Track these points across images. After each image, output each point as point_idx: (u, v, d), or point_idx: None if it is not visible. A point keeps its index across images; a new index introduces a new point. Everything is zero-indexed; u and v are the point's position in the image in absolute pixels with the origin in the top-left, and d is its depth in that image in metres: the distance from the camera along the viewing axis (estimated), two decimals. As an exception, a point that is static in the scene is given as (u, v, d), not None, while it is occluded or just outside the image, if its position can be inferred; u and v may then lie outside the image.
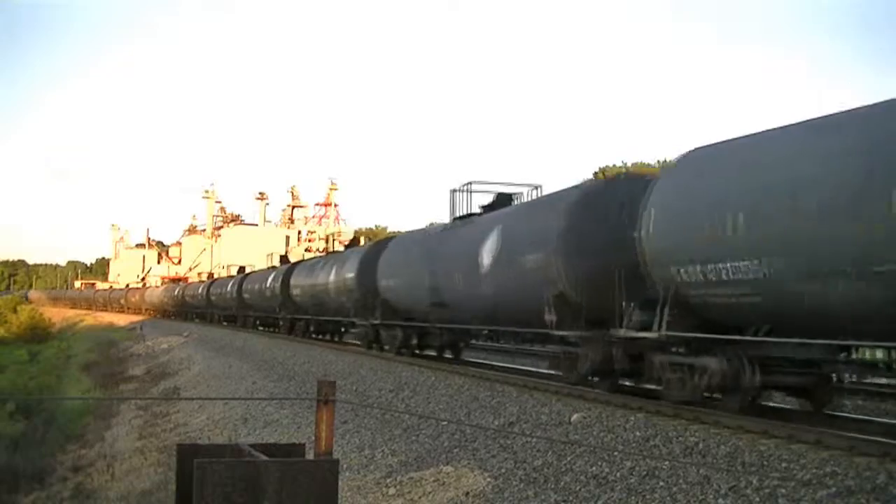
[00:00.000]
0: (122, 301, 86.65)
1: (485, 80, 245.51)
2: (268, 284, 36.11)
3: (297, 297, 31.76)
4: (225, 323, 48.76)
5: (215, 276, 76.93)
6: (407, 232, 25.00)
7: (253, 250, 78.71)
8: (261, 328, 40.68)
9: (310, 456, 5.36)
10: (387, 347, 21.71)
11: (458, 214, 18.83)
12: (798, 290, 8.65)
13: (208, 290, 52.70)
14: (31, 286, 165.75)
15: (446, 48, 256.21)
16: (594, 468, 8.77)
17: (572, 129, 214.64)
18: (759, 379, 9.58)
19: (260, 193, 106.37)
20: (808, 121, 9.36)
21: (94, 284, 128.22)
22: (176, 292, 65.15)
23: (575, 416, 10.90)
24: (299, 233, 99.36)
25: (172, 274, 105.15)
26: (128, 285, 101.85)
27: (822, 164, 8.50)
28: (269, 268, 42.79)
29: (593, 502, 8.07)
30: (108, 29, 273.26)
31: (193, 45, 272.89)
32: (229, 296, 44.91)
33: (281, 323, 35.02)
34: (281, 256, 50.53)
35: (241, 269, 62.51)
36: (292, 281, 32.21)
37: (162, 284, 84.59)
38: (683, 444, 8.89)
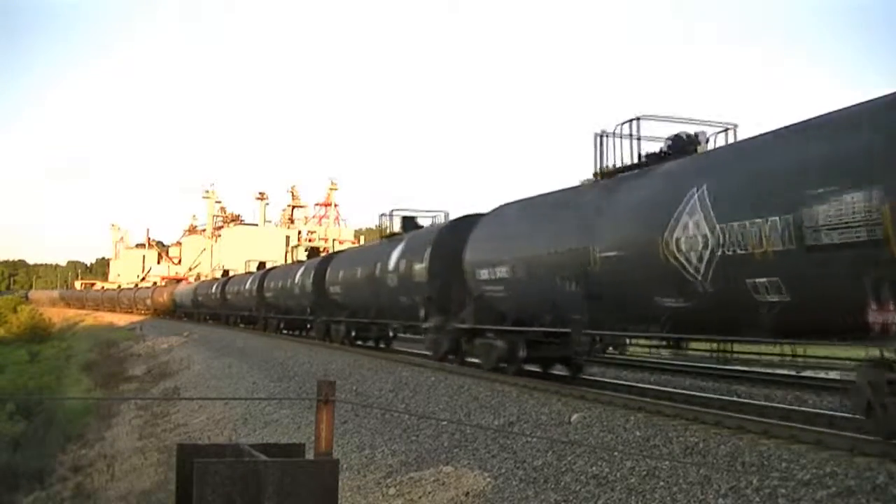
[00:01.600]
0: (149, 301, 74.95)
1: (484, 80, 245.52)
2: (392, 267, 20.81)
3: (490, 293, 15.81)
4: (285, 332, 35.47)
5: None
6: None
7: (253, 250, 78.66)
8: (358, 342, 25.87)
9: (310, 456, 5.37)
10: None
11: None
12: None
13: (260, 284, 38.11)
14: (31, 286, 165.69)
15: (446, 49, 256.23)
16: (594, 468, 8.77)
17: (572, 129, 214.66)
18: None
19: (260, 193, 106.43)
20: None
21: (93, 284, 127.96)
22: (213, 289, 50.17)
23: (575, 416, 10.90)
24: (299, 233, 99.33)
25: (172, 274, 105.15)
26: (154, 283, 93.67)
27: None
28: (383, 238, 24.78)
29: (593, 502, 8.07)
30: (108, 29, 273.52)
31: (194, 45, 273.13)
32: (297, 290, 31.04)
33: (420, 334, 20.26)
34: (406, 218, 26.40)
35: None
36: (443, 255, 18.09)
37: (196, 280, 72.51)
38: (683, 444, 8.89)
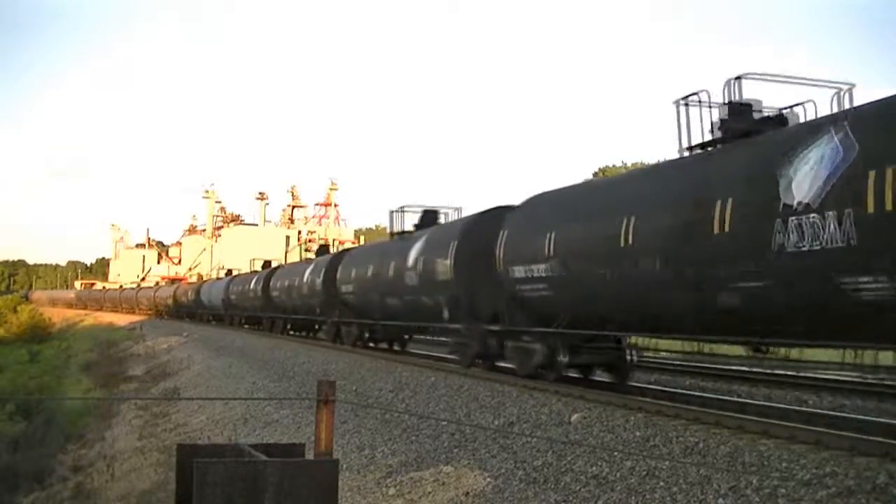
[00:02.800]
0: (171, 301, 64.29)
1: (485, 80, 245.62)
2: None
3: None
4: (372, 345, 24.86)
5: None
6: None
7: (253, 250, 78.62)
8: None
9: (310, 456, 5.37)
10: None
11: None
12: None
13: (328, 275, 26.18)
14: (31, 286, 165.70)
15: (446, 49, 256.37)
16: (594, 468, 8.77)
17: (573, 129, 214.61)
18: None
19: (260, 193, 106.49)
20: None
21: (93, 284, 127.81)
22: (252, 285, 39.18)
23: (575, 416, 10.90)
24: (299, 233, 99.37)
25: (172, 274, 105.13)
26: (182, 280, 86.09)
27: None
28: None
29: (593, 502, 8.07)
30: (108, 29, 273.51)
31: (194, 44, 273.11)
32: (413, 280, 19.21)
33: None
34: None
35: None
36: None
37: (231, 275, 55.44)
38: (683, 444, 8.89)
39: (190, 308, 57.32)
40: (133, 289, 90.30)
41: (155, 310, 71.28)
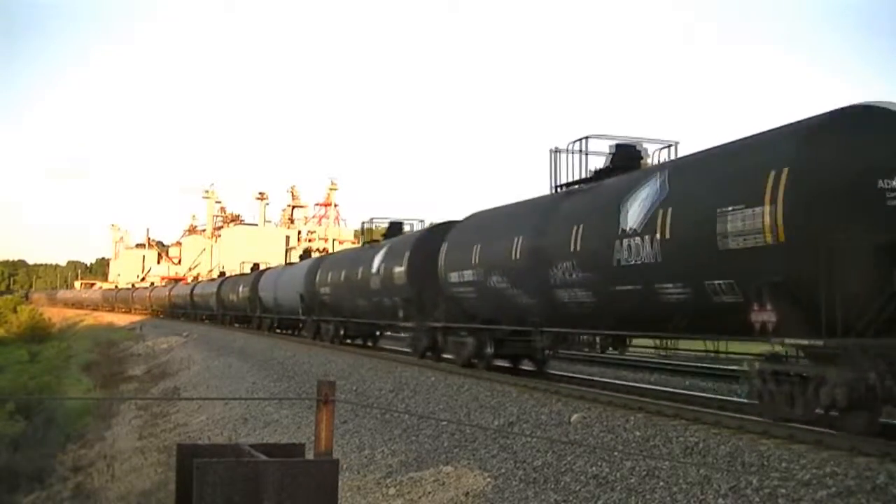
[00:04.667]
0: (212, 302, 48.95)
1: (485, 80, 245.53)
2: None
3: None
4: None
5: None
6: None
7: (253, 250, 78.58)
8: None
9: (310, 456, 5.36)
10: None
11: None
12: None
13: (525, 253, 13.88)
14: (31, 286, 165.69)
15: (446, 49, 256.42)
16: (594, 468, 8.77)
17: (573, 129, 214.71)
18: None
19: (260, 193, 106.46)
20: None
21: (93, 284, 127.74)
22: (374, 267, 21.71)
23: (575, 416, 10.90)
24: (299, 233, 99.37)
25: (172, 274, 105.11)
26: (219, 276, 60.42)
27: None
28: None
29: (593, 502, 8.07)
30: (109, 28, 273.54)
31: (194, 44, 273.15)
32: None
33: None
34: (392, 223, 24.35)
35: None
36: None
37: (292, 262, 41.56)
38: (683, 444, 8.88)
39: (240, 310, 41.82)
40: (165, 287, 77.37)
41: (194, 313, 56.64)
